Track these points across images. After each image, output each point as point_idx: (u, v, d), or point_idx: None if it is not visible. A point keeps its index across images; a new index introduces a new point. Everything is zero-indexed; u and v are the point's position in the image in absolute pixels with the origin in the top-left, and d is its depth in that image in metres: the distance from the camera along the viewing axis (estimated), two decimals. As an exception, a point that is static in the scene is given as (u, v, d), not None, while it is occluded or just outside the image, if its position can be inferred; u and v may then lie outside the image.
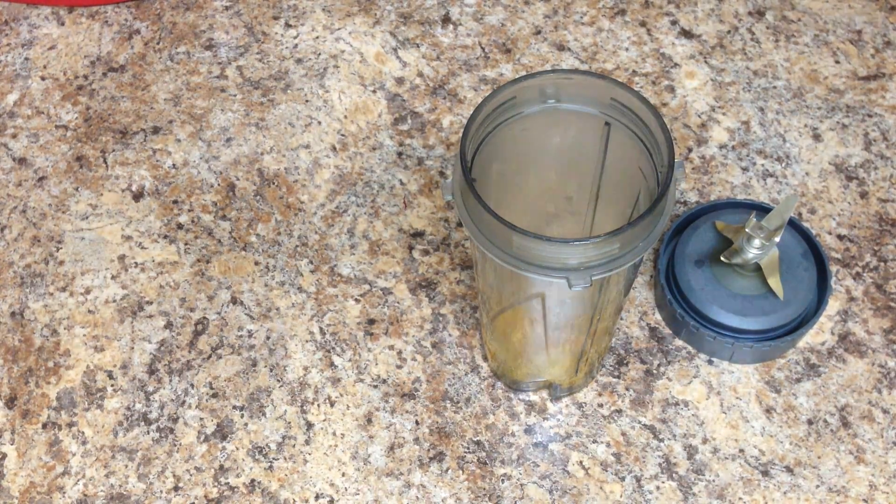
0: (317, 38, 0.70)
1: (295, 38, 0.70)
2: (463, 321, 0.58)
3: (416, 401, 0.56)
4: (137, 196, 0.64)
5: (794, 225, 0.57)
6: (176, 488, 0.54)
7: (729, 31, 0.69)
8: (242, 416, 0.56)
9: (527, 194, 0.51)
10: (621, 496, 0.53)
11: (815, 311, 0.55)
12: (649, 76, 0.67)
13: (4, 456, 0.55)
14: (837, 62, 0.67)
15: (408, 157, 0.64)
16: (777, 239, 0.52)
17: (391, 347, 0.58)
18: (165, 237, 0.62)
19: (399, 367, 0.57)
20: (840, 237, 0.60)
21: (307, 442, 0.55)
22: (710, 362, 0.56)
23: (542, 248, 0.41)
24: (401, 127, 0.66)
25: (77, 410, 0.56)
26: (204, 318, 0.59)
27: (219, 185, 0.64)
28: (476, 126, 0.43)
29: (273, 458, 0.54)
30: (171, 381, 0.57)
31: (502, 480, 0.53)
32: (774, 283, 0.54)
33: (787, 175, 0.63)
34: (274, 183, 0.64)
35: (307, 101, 0.67)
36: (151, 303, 0.60)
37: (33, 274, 0.61)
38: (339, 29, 0.70)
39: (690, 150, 0.64)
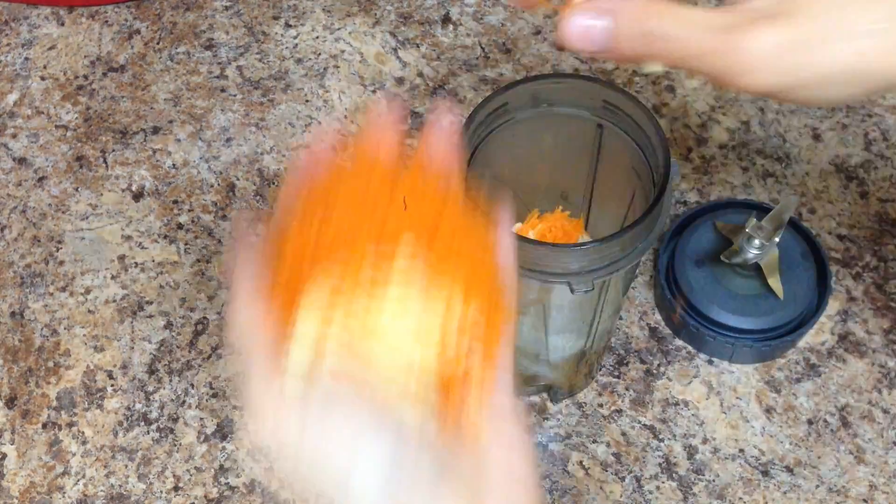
0: (317, 38, 0.70)
1: (295, 38, 0.70)
2: (463, 321, 0.58)
3: (416, 401, 0.56)
4: (137, 196, 0.64)
5: (794, 225, 0.57)
6: (176, 488, 0.54)
7: (729, 31, 0.69)
8: (242, 416, 0.56)
9: (521, 197, 0.51)
10: (621, 496, 0.53)
11: (815, 311, 0.55)
12: (649, 76, 0.67)
13: (4, 456, 0.55)
14: (837, 62, 0.67)
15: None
16: (777, 239, 0.52)
17: (391, 347, 0.58)
18: (165, 237, 0.62)
19: (399, 367, 0.57)
20: (840, 237, 0.60)
21: (307, 442, 0.55)
22: (710, 362, 0.56)
23: (543, 254, 0.40)
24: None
25: (77, 410, 0.56)
26: (204, 318, 0.59)
27: (219, 185, 0.64)
28: (470, 134, 0.43)
29: (273, 458, 0.54)
30: (171, 381, 0.57)
31: (502, 480, 0.53)
32: (774, 283, 0.54)
33: (787, 175, 0.63)
34: (274, 183, 0.64)
35: (307, 101, 0.67)
36: (151, 303, 0.60)
37: (33, 274, 0.61)
38: (339, 29, 0.70)
39: (690, 150, 0.64)
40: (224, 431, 0.55)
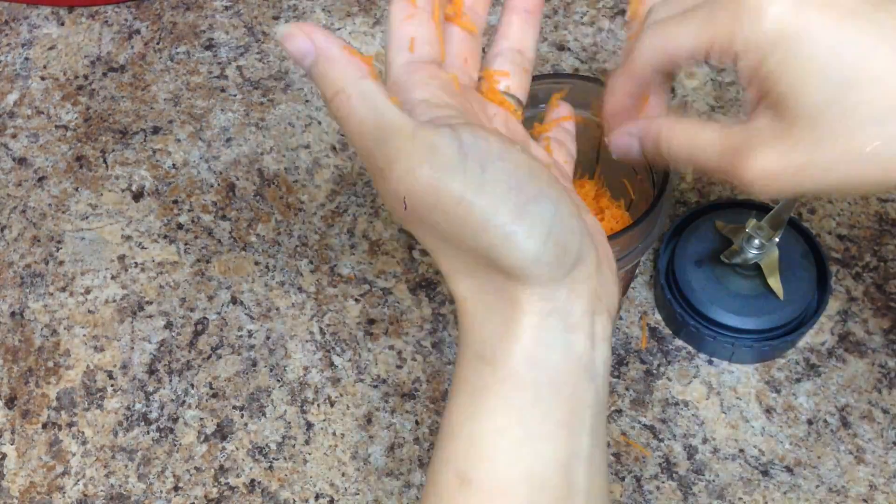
0: (317, 37, 0.70)
1: (295, 37, 0.70)
2: (463, 321, 0.58)
3: (416, 401, 0.56)
4: (137, 196, 0.64)
5: (794, 225, 0.57)
6: (176, 488, 0.54)
7: (729, 31, 0.69)
8: (242, 416, 0.56)
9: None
10: (621, 496, 0.53)
11: (815, 311, 0.55)
12: (649, 76, 0.67)
13: (4, 456, 0.55)
14: (837, 62, 0.67)
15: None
16: (777, 239, 0.52)
17: (391, 347, 0.58)
18: (165, 237, 0.62)
19: (399, 367, 0.57)
20: (840, 237, 0.60)
21: (307, 442, 0.55)
22: (710, 362, 0.56)
23: None
24: (401, 127, 0.66)
25: (77, 410, 0.56)
26: (204, 318, 0.59)
27: (219, 185, 0.64)
28: None
29: (273, 458, 0.54)
30: (171, 381, 0.57)
31: (502, 480, 0.53)
32: (774, 283, 0.54)
33: (787, 175, 0.62)
34: (274, 183, 0.64)
35: (307, 101, 0.67)
36: (151, 303, 0.60)
37: (33, 274, 0.61)
38: (339, 29, 0.70)
39: (690, 149, 0.64)
40: (224, 431, 0.55)
